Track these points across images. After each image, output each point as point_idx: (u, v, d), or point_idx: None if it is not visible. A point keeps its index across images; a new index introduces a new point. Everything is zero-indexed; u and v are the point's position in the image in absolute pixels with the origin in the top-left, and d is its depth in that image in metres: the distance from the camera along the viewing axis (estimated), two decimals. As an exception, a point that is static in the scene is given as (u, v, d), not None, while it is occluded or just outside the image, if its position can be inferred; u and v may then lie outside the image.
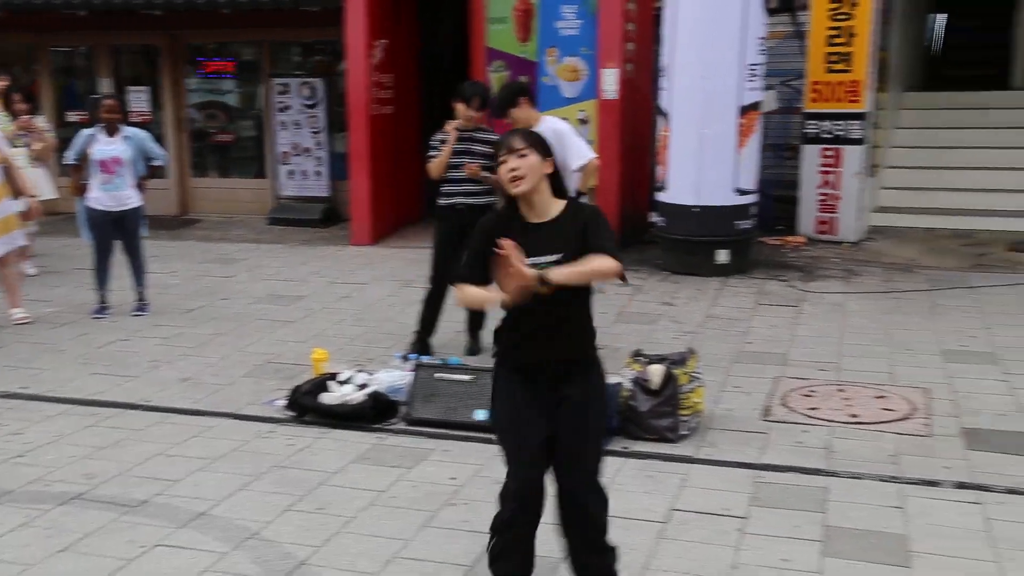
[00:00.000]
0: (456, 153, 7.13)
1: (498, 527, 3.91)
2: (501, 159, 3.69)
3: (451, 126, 7.20)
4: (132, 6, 12.63)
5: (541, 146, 3.72)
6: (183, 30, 13.82)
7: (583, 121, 11.24)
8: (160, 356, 7.56)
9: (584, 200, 6.68)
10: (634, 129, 11.54)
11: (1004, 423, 5.94)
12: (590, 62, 11.18)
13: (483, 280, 3.71)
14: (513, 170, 3.66)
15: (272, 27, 13.46)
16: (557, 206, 3.75)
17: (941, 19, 17.29)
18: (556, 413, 3.79)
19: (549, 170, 3.73)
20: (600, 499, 3.89)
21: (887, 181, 12.93)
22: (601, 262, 3.59)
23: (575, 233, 3.66)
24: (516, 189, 3.67)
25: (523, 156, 3.65)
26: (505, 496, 3.86)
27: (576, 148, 6.99)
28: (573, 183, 6.82)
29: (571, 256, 3.60)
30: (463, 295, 3.80)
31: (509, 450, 3.86)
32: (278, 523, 4.79)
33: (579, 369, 3.83)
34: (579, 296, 3.77)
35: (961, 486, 5.09)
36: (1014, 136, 12.93)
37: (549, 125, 6.90)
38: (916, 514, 4.78)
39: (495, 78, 11.65)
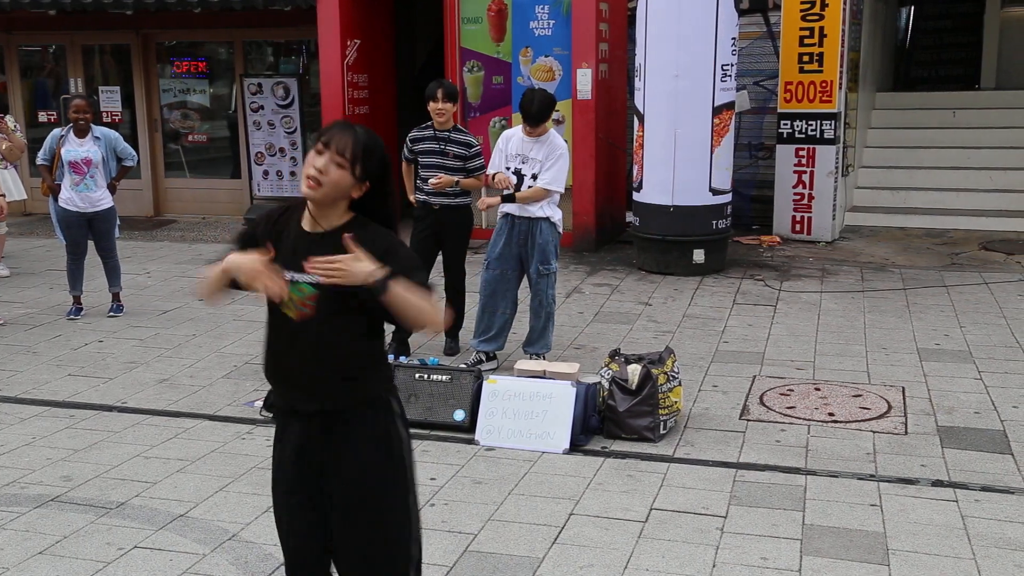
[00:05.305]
0: (431, 154, 7.13)
1: None
2: (318, 148, 2.89)
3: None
4: (102, 5, 12.50)
5: (367, 167, 2.91)
6: (154, 29, 13.73)
7: (558, 121, 11.26)
8: (137, 358, 7.51)
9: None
10: (609, 129, 11.57)
11: (979, 421, 5.99)
12: (564, 62, 11.20)
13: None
14: (317, 170, 2.86)
15: (244, 27, 13.39)
16: (342, 220, 2.95)
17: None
18: (327, 493, 3.01)
19: (357, 195, 2.94)
20: None
21: (861, 181, 13.04)
22: (427, 305, 2.87)
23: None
24: (306, 191, 2.89)
25: (338, 166, 2.87)
26: None
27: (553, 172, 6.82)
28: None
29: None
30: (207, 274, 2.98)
31: (281, 540, 3.18)
32: (257, 524, 4.77)
33: (350, 427, 2.98)
34: (345, 318, 2.93)
35: (938, 484, 5.14)
36: (985, 136, 13.07)
37: (554, 139, 6.88)
38: (893, 512, 4.82)
39: (469, 78, 11.67)
